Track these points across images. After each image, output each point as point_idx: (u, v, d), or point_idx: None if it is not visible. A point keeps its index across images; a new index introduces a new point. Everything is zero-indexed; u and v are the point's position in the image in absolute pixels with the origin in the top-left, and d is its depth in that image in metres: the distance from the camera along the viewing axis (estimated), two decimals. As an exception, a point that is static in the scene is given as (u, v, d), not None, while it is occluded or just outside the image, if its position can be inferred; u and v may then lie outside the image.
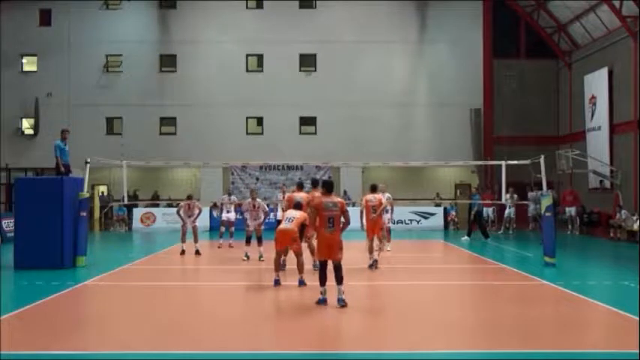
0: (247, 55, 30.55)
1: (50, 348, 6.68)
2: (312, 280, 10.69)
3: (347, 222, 9.21)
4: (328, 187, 9.46)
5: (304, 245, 11.28)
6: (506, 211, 23.73)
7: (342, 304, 8.76)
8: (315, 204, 9.23)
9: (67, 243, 13.22)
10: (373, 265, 12.84)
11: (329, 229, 9.02)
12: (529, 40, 30.32)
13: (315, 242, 10.83)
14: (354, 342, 7.33)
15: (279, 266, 11.03)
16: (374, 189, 13.36)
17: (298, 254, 10.68)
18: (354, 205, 27.12)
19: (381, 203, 13.10)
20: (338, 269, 8.98)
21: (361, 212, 13.48)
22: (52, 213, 13.10)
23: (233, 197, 19.08)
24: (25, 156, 29.52)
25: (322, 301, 8.93)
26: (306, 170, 27.28)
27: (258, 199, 14.72)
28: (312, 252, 11.85)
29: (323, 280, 9.02)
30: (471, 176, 30.60)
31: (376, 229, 13.15)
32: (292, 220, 10.41)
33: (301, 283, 10.53)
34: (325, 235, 9.04)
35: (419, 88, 30.44)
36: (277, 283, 10.60)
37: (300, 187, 13.06)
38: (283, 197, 17.38)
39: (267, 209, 14.87)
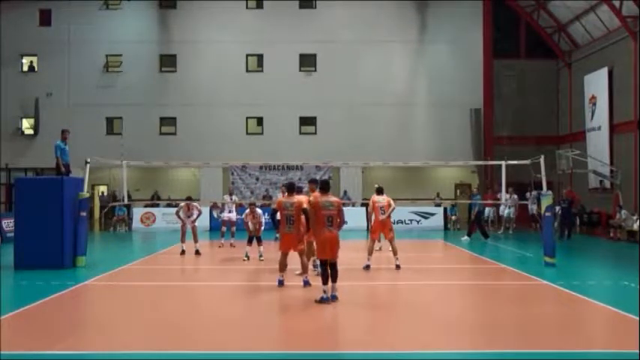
0: (247, 55, 30.55)
1: (50, 348, 6.68)
2: (316, 280, 10.71)
3: (342, 221, 9.43)
4: (325, 186, 9.57)
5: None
6: (506, 211, 23.76)
7: (334, 299, 9.06)
8: (313, 203, 9.30)
9: (67, 243, 13.21)
10: (398, 267, 12.80)
11: (328, 227, 9.17)
12: (529, 40, 30.33)
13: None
14: (355, 342, 7.32)
15: (284, 267, 10.99)
16: (380, 191, 13.37)
17: (302, 254, 10.70)
18: (353, 205, 27.18)
19: (389, 204, 13.14)
20: (334, 267, 9.23)
21: (368, 213, 13.58)
22: (52, 213, 13.09)
23: (234, 197, 19.12)
24: (25, 156, 29.53)
25: (326, 300, 9.00)
26: (306, 170, 27.24)
27: (257, 209, 15.00)
28: (313, 252, 11.85)
29: (326, 279, 9.10)
30: (471, 176, 30.62)
31: (385, 231, 13.17)
32: (293, 223, 10.41)
33: (306, 283, 10.50)
34: (326, 235, 9.18)
35: (419, 88, 30.44)
36: (281, 283, 10.57)
37: (291, 189, 10.78)
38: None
39: (262, 220, 15.08)
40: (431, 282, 11.68)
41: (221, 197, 24.20)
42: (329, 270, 9.16)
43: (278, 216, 16.99)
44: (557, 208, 20.90)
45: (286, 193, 11.08)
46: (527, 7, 29.67)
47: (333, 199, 9.43)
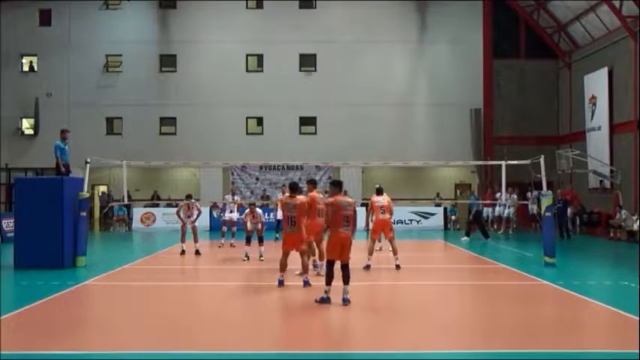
0: (247, 55, 30.53)
1: (50, 348, 6.68)
2: (316, 280, 10.72)
3: (355, 223, 9.33)
4: (340, 186, 9.55)
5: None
6: (506, 211, 23.79)
7: (346, 303, 8.86)
8: (333, 203, 9.19)
9: (67, 243, 13.21)
10: (398, 267, 12.84)
11: (345, 228, 9.08)
12: (529, 40, 30.31)
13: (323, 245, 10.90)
14: (355, 342, 7.33)
15: (284, 267, 10.99)
16: (380, 192, 13.37)
17: (303, 254, 10.70)
18: (354, 205, 27.19)
19: (389, 204, 13.16)
20: (347, 268, 9.09)
21: (367, 213, 13.66)
22: (52, 213, 13.10)
23: (236, 197, 19.16)
24: (25, 156, 29.50)
25: (326, 300, 8.93)
26: (306, 170, 27.26)
27: (257, 209, 15.13)
28: (313, 252, 11.86)
29: (330, 279, 9.00)
30: (471, 176, 30.60)
31: (386, 231, 13.18)
32: (295, 223, 10.43)
33: (306, 283, 10.50)
34: (341, 235, 9.06)
35: (419, 88, 30.42)
36: (281, 283, 10.57)
37: (294, 189, 10.95)
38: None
39: (262, 220, 15.25)
40: (431, 282, 11.69)
41: (221, 197, 24.20)
42: (341, 271, 9.03)
43: (279, 216, 17.11)
44: (553, 208, 20.97)
45: (288, 194, 11.09)
46: (527, 7, 29.66)
47: (349, 199, 9.40)
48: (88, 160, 14.24)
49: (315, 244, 11.78)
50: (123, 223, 25.95)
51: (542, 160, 14.31)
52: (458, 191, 31.31)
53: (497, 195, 23.90)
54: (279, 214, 17.11)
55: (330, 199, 9.25)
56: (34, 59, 30.48)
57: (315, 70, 30.46)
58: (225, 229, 17.90)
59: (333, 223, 9.11)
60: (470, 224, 20.69)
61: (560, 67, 30.16)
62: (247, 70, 30.56)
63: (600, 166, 24.32)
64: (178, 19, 30.47)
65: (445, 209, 26.58)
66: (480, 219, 20.69)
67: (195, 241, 15.64)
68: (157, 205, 27.28)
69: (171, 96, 30.13)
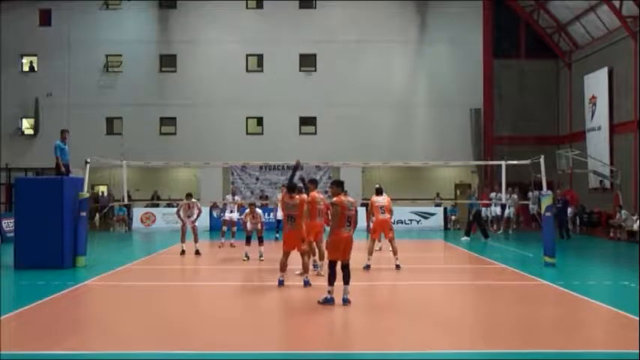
0: (247, 55, 30.55)
1: (50, 348, 6.68)
2: (316, 280, 10.72)
3: (356, 223, 9.30)
4: (342, 186, 9.52)
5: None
6: (506, 211, 23.79)
7: (346, 303, 8.85)
8: (339, 203, 9.14)
9: (67, 243, 13.21)
10: (398, 267, 12.83)
11: (347, 228, 9.07)
12: (529, 40, 30.31)
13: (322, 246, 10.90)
14: (355, 342, 7.34)
15: (285, 267, 10.98)
16: (379, 192, 13.37)
17: (303, 254, 10.69)
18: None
19: (389, 204, 13.15)
20: (347, 268, 9.08)
21: (367, 213, 13.71)
22: (52, 213, 13.09)
23: (237, 197, 19.16)
24: (25, 156, 29.52)
25: (330, 301, 8.88)
26: (306, 170, 27.20)
27: (257, 209, 15.18)
28: (313, 252, 11.86)
29: (333, 280, 8.96)
30: (471, 176, 30.61)
31: (386, 231, 13.18)
32: (295, 220, 10.43)
33: (306, 283, 10.50)
34: (343, 235, 9.03)
35: (419, 88, 30.43)
36: (281, 283, 10.56)
37: (292, 190, 11.00)
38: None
39: (262, 220, 15.31)
40: (431, 282, 11.69)
41: (221, 197, 24.20)
42: (342, 271, 9.01)
43: (279, 216, 17.12)
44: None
45: (287, 193, 11.09)
46: (527, 7, 29.66)
47: (351, 199, 9.38)
48: (88, 160, 14.23)
49: (315, 244, 11.79)
50: (123, 223, 25.95)
51: (542, 160, 14.30)
52: (458, 191, 31.32)
53: (492, 195, 23.92)
54: (279, 214, 17.14)
55: (335, 200, 9.22)
56: (34, 59, 30.51)
57: (315, 70, 30.47)
58: (225, 229, 17.89)
59: (336, 224, 9.11)
60: (470, 224, 20.69)
61: (560, 67, 30.16)
62: (247, 70, 30.58)
63: (600, 166, 24.32)
64: (178, 19, 30.48)
65: (445, 209, 26.58)
66: (480, 219, 20.69)
67: (196, 241, 15.63)
68: (157, 205, 27.28)
69: (171, 96, 30.13)
